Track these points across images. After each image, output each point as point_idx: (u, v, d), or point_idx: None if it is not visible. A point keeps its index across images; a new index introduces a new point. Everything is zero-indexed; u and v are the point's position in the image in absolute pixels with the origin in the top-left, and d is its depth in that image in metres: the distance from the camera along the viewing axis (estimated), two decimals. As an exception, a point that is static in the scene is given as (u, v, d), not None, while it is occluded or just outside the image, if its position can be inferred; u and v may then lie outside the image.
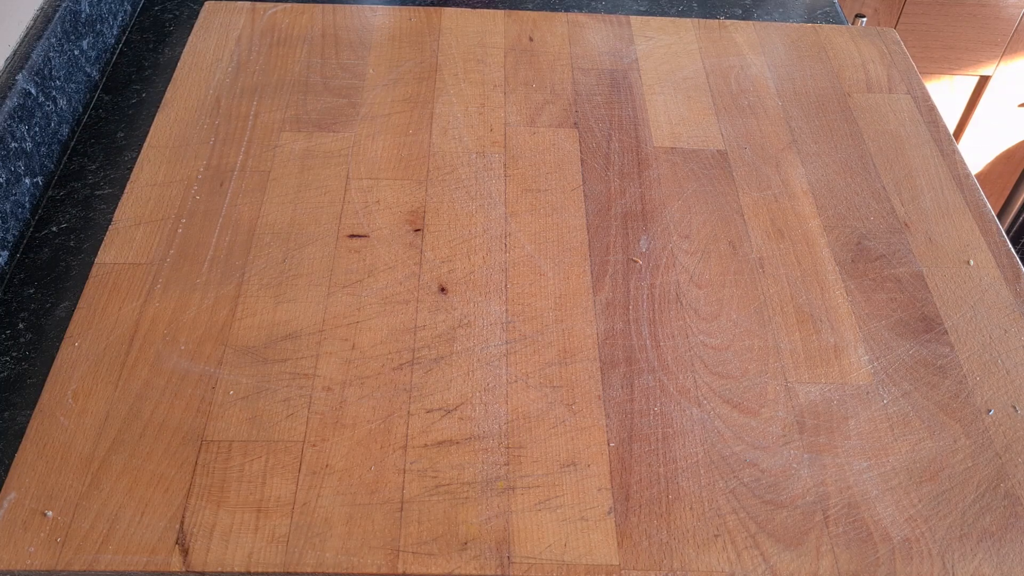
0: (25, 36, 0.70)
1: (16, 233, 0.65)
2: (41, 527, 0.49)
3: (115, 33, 0.83)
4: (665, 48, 0.84)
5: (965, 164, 0.74)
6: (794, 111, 0.78)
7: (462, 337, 0.59)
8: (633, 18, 0.87)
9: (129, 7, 0.87)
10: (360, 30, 0.84)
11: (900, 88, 0.81)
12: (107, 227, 0.66)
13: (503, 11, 0.87)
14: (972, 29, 1.42)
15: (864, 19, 1.39)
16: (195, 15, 0.88)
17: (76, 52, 0.76)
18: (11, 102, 0.65)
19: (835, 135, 0.76)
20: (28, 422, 0.54)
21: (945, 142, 0.76)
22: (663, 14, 0.93)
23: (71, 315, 0.60)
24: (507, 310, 0.61)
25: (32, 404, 0.56)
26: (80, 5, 0.77)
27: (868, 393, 0.58)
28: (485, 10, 0.87)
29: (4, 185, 0.64)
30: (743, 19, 0.92)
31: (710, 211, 0.69)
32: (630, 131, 0.75)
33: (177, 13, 0.89)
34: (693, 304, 0.62)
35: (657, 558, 0.49)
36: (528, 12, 0.87)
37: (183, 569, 0.47)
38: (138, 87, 0.80)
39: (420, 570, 0.48)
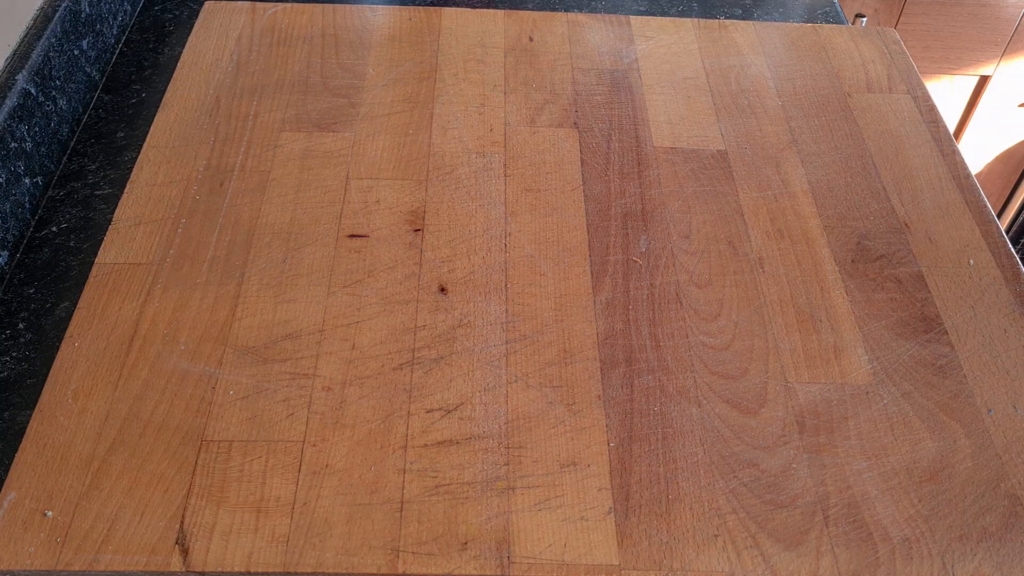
0: (25, 36, 0.70)
1: (16, 233, 0.65)
2: (41, 527, 0.49)
3: (115, 33, 0.83)
4: (665, 48, 0.84)
5: (965, 164, 0.74)
6: (794, 111, 0.78)
7: (462, 337, 0.59)
8: (633, 18, 0.87)
9: (129, 7, 0.87)
10: (360, 30, 0.84)
11: (900, 88, 0.81)
12: (107, 227, 0.66)
13: (503, 11, 0.87)
14: (972, 29, 1.42)
15: (864, 19, 1.39)
16: (195, 15, 0.88)
17: (76, 52, 0.76)
18: (11, 102, 0.65)
19: (835, 135, 0.76)
20: (28, 422, 0.54)
21: (945, 142, 0.76)
22: (663, 14, 0.93)
23: (71, 315, 0.60)
24: (507, 310, 0.61)
25: (32, 404, 0.56)
26: (80, 5, 0.77)
27: (868, 393, 0.58)
28: (485, 10, 0.87)
29: (4, 185, 0.64)
30: (743, 19, 0.92)
31: (710, 211, 0.69)
32: (630, 131, 0.75)
33: (177, 13, 0.89)
34: (693, 304, 0.62)
35: (657, 558, 0.49)
36: (528, 12, 0.87)
37: (183, 569, 0.47)
38: (138, 87, 0.80)
39: (420, 570, 0.48)
